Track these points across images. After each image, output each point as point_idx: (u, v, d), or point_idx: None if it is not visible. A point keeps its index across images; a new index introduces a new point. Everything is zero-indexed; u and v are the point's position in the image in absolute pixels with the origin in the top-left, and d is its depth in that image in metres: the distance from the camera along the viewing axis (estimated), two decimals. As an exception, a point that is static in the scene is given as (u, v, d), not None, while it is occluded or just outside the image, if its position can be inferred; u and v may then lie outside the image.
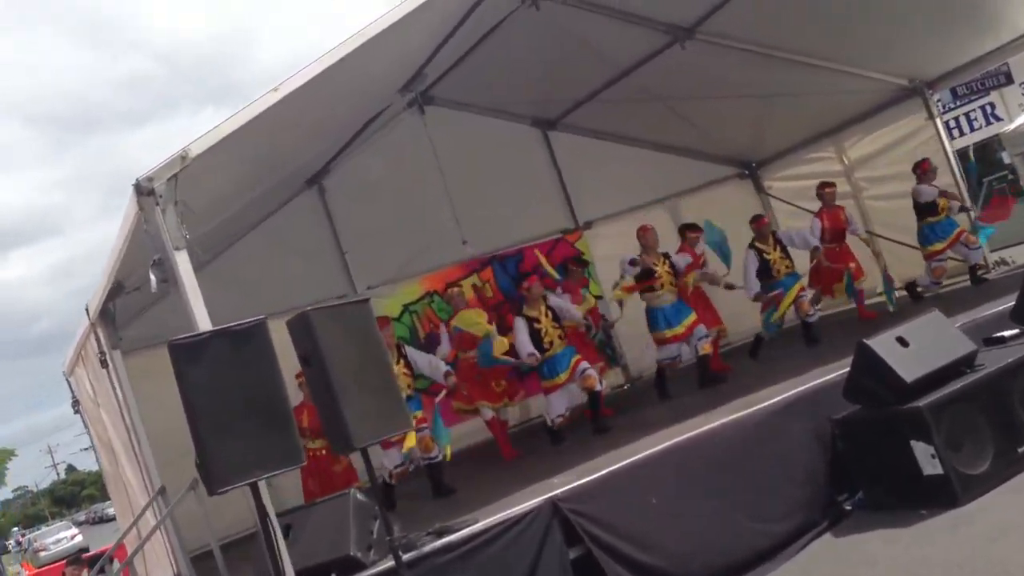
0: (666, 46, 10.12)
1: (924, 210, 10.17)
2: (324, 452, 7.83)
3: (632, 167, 12.37)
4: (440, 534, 5.28)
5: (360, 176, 10.88)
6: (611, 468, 5.73)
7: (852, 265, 9.97)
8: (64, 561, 11.36)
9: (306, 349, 4.59)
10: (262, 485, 4.48)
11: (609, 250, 11.99)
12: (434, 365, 7.87)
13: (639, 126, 12.18)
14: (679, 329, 8.94)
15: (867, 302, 10.19)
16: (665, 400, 9.18)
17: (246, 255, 10.08)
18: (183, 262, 4.83)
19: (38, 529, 45.78)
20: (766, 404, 6.17)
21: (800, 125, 12.08)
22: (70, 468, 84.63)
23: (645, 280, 9.01)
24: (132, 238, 5.46)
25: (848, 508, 6.03)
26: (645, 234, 9.25)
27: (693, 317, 8.99)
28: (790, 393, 6.25)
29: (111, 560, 7.95)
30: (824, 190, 10.25)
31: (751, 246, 9.67)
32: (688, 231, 9.54)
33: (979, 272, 10.06)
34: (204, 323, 4.70)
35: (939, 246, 10.06)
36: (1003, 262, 11.23)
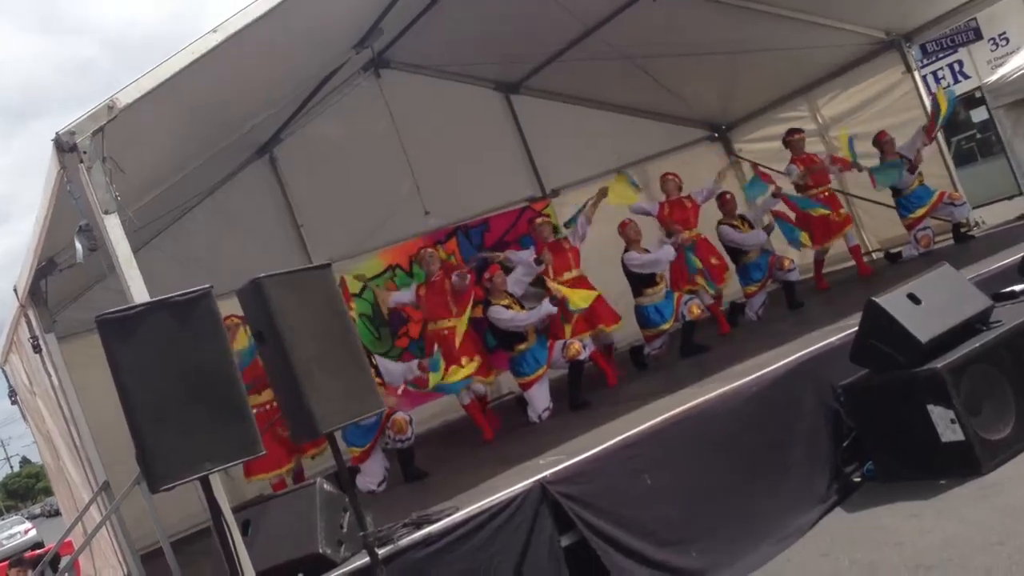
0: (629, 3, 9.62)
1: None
2: (269, 407, 7.12)
3: (599, 131, 11.85)
4: (418, 525, 4.73)
5: (314, 144, 10.23)
6: (603, 446, 5.20)
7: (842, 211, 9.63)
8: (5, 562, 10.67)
9: (260, 323, 4.01)
10: (215, 479, 3.91)
11: (578, 218, 11.56)
12: (405, 368, 7.37)
13: (606, 88, 11.65)
14: (671, 320, 8.49)
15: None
16: (643, 371, 8.74)
17: (192, 231, 9.45)
18: (113, 227, 4.21)
19: (-7, 523, 44.52)
20: (765, 371, 5.69)
21: (772, 83, 11.64)
22: (24, 460, 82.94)
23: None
24: (57, 204, 4.82)
25: (857, 480, 5.59)
26: (624, 229, 8.75)
27: (678, 295, 8.54)
28: (791, 359, 5.77)
29: (56, 558, 7.29)
30: (792, 137, 9.86)
31: (720, 224, 9.24)
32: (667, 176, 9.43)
33: (963, 230, 9.69)
34: (141, 296, 4.10)
35: (920, 212, 9.65)
36: (976, 223, 10.86)
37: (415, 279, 10.33)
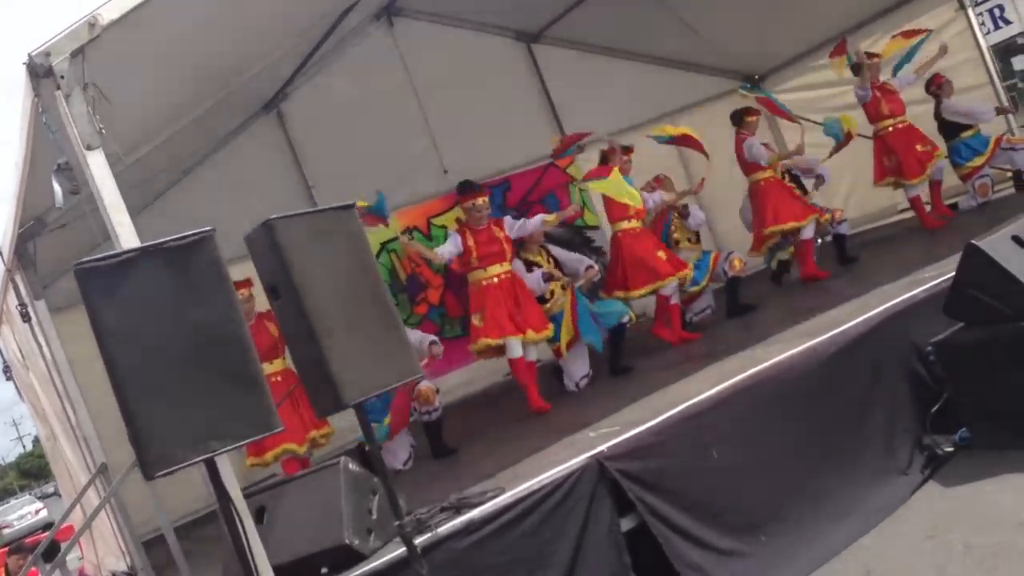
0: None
1: (953, 128, 9.05)
2: (280, 378, 6.41)
3: (626, 83, 11.08)
4: (458, 510, 4.11)
5: (324, 100, 9.54)
6: (664, 416, 4.56)
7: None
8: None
9: (273, 274, 3.36)
10: (223, 461, 3.28)
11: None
12: (418, 339, 6.55)
13: (633, 36, 10.91)
14: (705, 278, 7.83)
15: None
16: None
17: (195, 192, 8.77)
18: (98, 165, 3.56)
19: (7, 503, 44.12)
20: (843, 328, 5.02)
21: (810, 26, 10.85)
22: (37, 439, 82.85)
23: None
24: (36, 142, 4.18)
25: (948, 450, 4.94)
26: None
27: (715, 253, 7.89)
28: (872, 313, 5.10)
29: (55, 546, 6.70)
30: (871, 59, 8.92)
31: None
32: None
33: (1025, 176, 8.96)
34: (130, 243, 3.46)
35: (979, 161, 8.89)
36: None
37: (434, 241, 9.74)
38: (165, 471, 2.87)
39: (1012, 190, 9.11)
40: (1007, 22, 14.83)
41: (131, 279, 2.95)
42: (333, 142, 9.52)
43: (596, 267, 7.19)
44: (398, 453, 6.32)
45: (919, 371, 5.01)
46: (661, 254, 7.26)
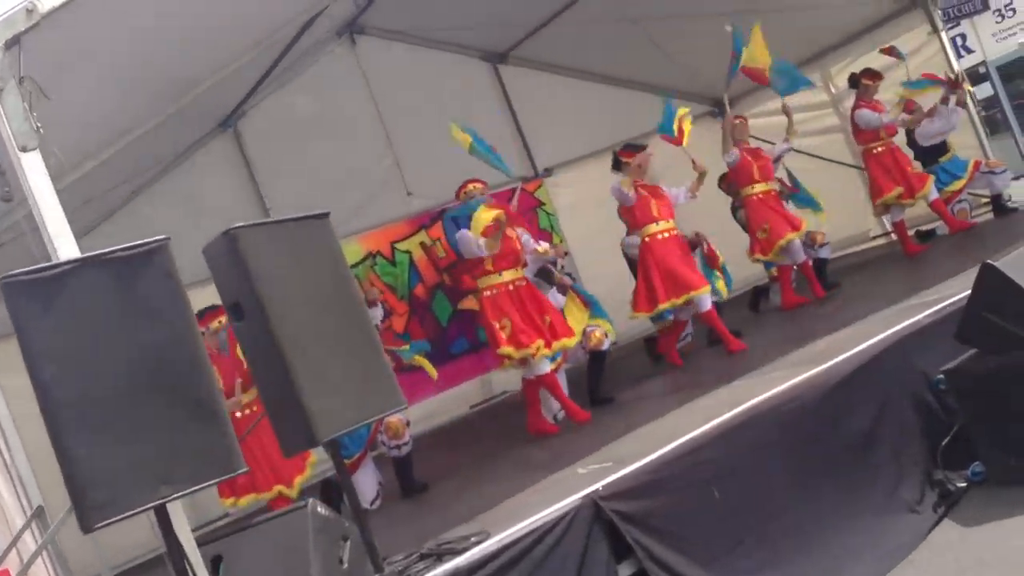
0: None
1: (930, 153, 8.88)
2: (249, 412, 5.67)
3: (594, 106, 10.80)
4: (440, 557, 3.69)
5: (283, 118, 9.13)
6: (662, 451, 4.18)
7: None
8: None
9: (235, 291, 2.94)
10: (175, 508, 2.83)
11: (572, 200, 10.60)
12: None
13: (602, 58, 10.65)
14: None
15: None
16: (660, 364, 7.76)
17: (149, 213, 8.28)
18: (33, 168, 3.11)
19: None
20: (847, 356, 4.69)
21: (779, 51, 10.68)
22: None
23: None
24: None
25: (961, 485, 4.61)
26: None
27: None
28: (876, 339, 4.78)
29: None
30: (864, 80, 8.69)
31: None
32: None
33: (1005, 201, 8.77)
34: (70, 255, 3.00)
35: (958, 185, 8.73)
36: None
37: (397, 267, 9.34)
38: (106, 522, 2.42)
39: (991, 215, 8.95)
40: (969, 51, 14.88)
41: (69, 295, 2.52)
42: (292, 162, 9.10)
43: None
44: (364, 492, 5.84)
45: (928, 401, 4.69)
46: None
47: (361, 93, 9.51)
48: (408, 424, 5.75)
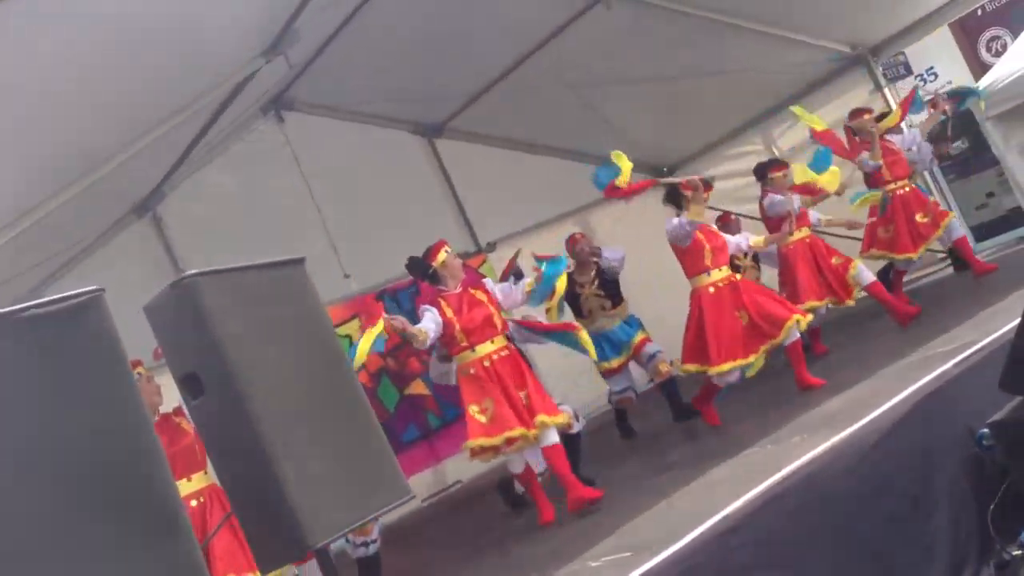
0: (578, 14, 8.38)
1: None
2: (204, 500, 4.59)
3: (535, 178, 10.36)
4: None
5: (207, 200, 8.48)
6: (693, 534, 3.55)
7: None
8: None
9: (191, 358, 2.26)
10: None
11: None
12: None
13: (540, 129, 10.30)
14: (622, 357, 7.01)
15: None
16: (629, 439, 7.16)
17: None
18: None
19: None
20: (880, 412, 4.16)
21: (719, 116, 10.49)
22: None
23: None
24: None
25: (1016, 553, 4.07)
26: (574, 245, 7.30)
27: (640, 335, 7.05)
28: (908, 391, 4.26)
29: None
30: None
31: None
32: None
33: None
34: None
35: None
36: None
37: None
38: None
39: (951, 270, 8.66)
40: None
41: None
42: (219, 247, 8.33)
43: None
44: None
45: (977, 458, 4.17)
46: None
47: (291, 171, 8.92)
48: (377, 520, 4.95)
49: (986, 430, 4.13)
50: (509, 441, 5.04)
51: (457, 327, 5.28)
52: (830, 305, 6.94)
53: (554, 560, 4.18)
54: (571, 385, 8.71)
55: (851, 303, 6.89)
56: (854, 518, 3.88)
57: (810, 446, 4.09)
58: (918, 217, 7.40)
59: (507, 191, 10.16)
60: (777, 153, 10.58)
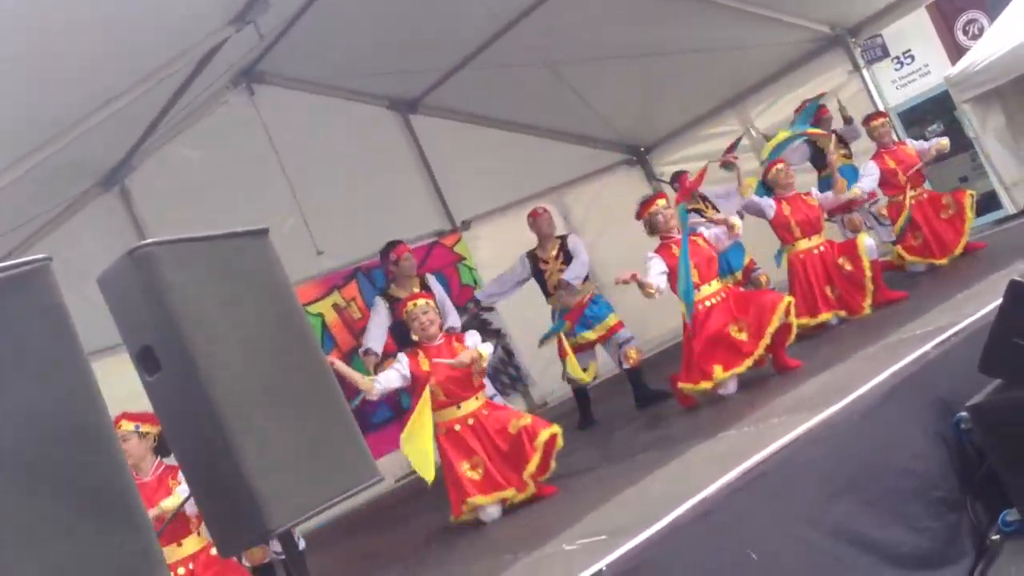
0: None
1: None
2: (193, 568, 4.18)
3: (510, 156, 10.28)
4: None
5: (176, 174, 8.33)
6: (674, 513, 3.46)
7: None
8: None
9: (146, 332, 2.14)
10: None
11: (492, 253, 9.91)
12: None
13: (516, 106, 10.17)
14: (590, 334, 6.93)
15: None
16: (589, 427, 7.04)
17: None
18: None
19: None
20: (858, 395, 4.10)
21: (696, 95, 10.43)
22: None
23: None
24: None
25: (995, 537, 4.04)
26: (537, 220, 7.20)
27: (615, 318, 6.97)
28: (887, 373, 4.20)
29: None
30: (872, 122, 7.71)
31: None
32: None
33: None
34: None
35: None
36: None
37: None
38: None
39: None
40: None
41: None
42: (188, 221, 8.16)
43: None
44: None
45: (955, 441, 4.12)
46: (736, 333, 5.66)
47: (262, 145, 8.77)
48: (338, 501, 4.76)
49: (964, 414, 4.08)
50: (503, 500, 4.93)
51: (432, 381, 5.01)
52: (838, 317, 6.56)
53: (528, 542, 4.10)
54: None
55: (868, 311, 6.38)
56: (833, 500, 3.83)
57: (788, 427, 4.02)
58: (942, 215, 7.28)
59: (483, 169, 10.08)
60: (755, 134, 10.52)
